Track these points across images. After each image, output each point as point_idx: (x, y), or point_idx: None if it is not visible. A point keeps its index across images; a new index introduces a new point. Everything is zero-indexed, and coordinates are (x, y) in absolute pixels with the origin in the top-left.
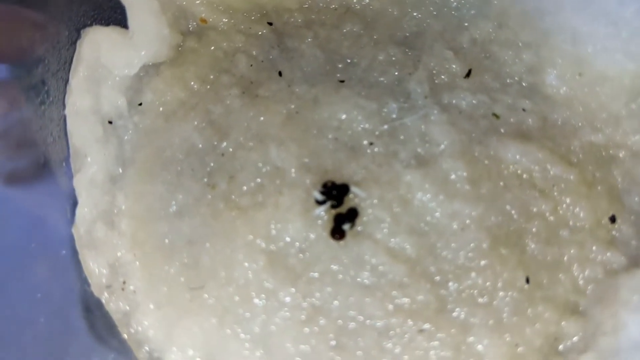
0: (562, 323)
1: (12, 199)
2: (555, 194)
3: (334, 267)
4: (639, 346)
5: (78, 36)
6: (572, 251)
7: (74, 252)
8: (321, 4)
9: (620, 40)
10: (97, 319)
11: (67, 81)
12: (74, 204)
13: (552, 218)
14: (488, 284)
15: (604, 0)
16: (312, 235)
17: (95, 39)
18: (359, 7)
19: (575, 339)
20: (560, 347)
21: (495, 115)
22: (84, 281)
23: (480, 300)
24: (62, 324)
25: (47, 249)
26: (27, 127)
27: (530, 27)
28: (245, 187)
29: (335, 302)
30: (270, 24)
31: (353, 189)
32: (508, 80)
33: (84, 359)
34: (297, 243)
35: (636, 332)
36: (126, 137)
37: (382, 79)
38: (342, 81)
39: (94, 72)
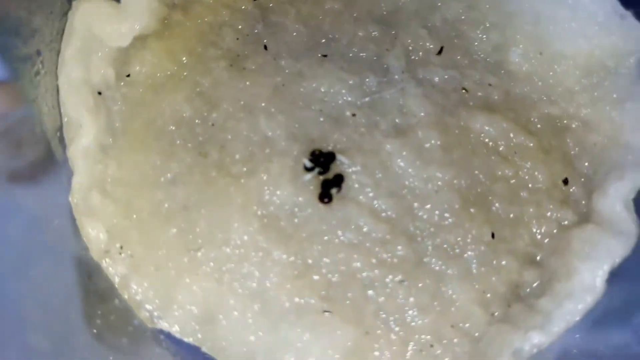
0: (523, 272)
1: (14, 197)
2: (517, 159)
3: (323, 227)
4: (590, 288)
5: (69, 7)
6: (531, 210)
7: (72, 221)
8: None
9: (578, 23)
10: (96, 283)
11: (59, 52)
12: (70, 173)
13: (513, 181)
14: (459, 239)
15: None
16: (301, 200)
17: (87, 10)
18: None
19: (533, 285)
20: (521, 292)
21: (465, 90)
22: (83, 248)
23: (452, 253)
24: (64, 322)
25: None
26: (29, 125)
27: (497, 9)
28: (236, 156)
29: (325, 259)
30: None
31: (338, 156)
32: (476, 58)
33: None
34: (288, 207)
35: (587, 277)
36: (115, 108)
37: (362, 54)
38: (325, 55)
39: (86, 44)
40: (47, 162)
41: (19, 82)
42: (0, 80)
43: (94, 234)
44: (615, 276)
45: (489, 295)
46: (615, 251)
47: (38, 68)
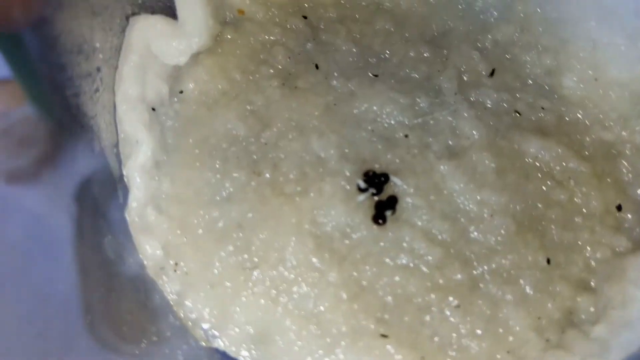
0: (577, 298)
1: (14, 197)
2: (572, 184)
3: (377, 249)
4: None
5: (127, 24)
6: (585, 235)
7: (127, 238)
8: (354, 1)
9: (636, 50)
10: (152, 300)
11: (116, 68)
12: (125, 189)
13: (568, 206)
14: (514, 264)
15: (623, 15)
16: (355, 221)
17: (145, 27)
18: (388, 5)
19: (588, 312)
20: (575, 319)
21: (517, 112)
22: (138, 265)
23: (507, 278)
24: (62, 324)
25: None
26: (29, 124)
27: (550, 33)
28: (289, 175)
29: (379, 282)
30: (305, 17)
31: (392, 178)
32: (528, 81)
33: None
34: (341, 227)
35: None
36: (168, 124)
37: (413, 74)
38: (376, 75)
39: (143, 60)
40: (104, 178)
41: (81, 99)
42: (0, 80)
43: (151, 251)
44: None
45: (544, 321)
46: None
47: (97, 85)
